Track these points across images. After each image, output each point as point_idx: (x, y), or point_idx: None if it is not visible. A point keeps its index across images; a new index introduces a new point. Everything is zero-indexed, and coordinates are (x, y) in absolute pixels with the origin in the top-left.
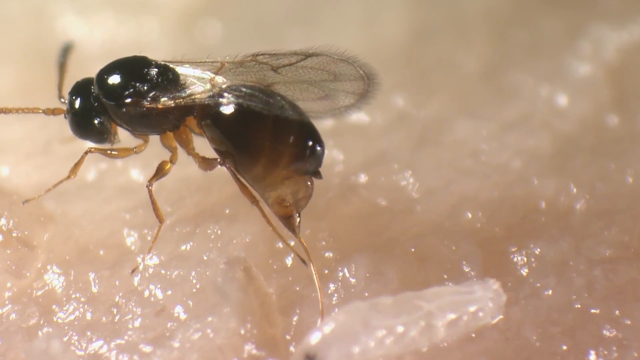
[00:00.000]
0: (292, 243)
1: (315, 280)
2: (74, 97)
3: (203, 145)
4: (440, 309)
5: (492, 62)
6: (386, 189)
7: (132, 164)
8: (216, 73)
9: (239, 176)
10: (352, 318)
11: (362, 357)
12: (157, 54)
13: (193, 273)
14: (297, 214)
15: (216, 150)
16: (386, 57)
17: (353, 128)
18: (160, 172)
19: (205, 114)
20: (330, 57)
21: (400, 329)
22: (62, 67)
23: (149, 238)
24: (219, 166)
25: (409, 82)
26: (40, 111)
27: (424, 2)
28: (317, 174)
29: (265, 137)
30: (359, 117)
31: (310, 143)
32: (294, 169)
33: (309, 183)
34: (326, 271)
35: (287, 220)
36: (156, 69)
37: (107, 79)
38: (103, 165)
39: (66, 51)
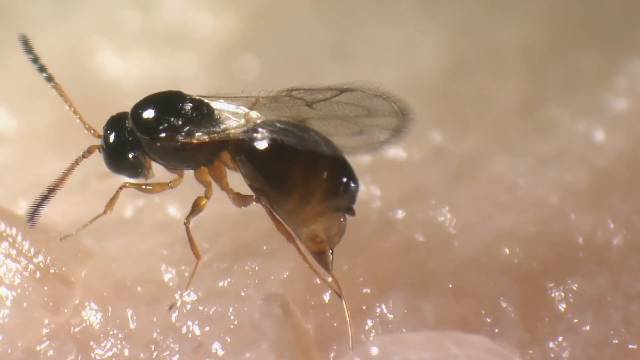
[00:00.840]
0: (329, 279)
1: (347, 317)
2: (108, 132)
3: (238, 182)
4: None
5: (528, 97)
6: (423, 224)
7: (170, 200)
8: (250, 108)
9: (274, 213)
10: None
11: None
12: (193, 90)
13: (230, 309)
14: (330, 250)
15: (250, 186)
16: (422, 92)
17: (390, 163)
18: (196, 208)
19: (239, 148)
20: (364, 92)
21: None
22: (36, 61)
23: (187, 274)
24: (253, 203)
25: (445, 116)
26: (81, 158)
27: (459, 36)
28: (350, 210)
29: (299, 173)
30: (395, 152)
31: (345, 179)
32: (327, 205)
33: (342, 220)
34: (364, 307)
35: (320, 256)
36: (191, 104)
37: (141, 113)
38: (140, 202)
39: (26, 46)
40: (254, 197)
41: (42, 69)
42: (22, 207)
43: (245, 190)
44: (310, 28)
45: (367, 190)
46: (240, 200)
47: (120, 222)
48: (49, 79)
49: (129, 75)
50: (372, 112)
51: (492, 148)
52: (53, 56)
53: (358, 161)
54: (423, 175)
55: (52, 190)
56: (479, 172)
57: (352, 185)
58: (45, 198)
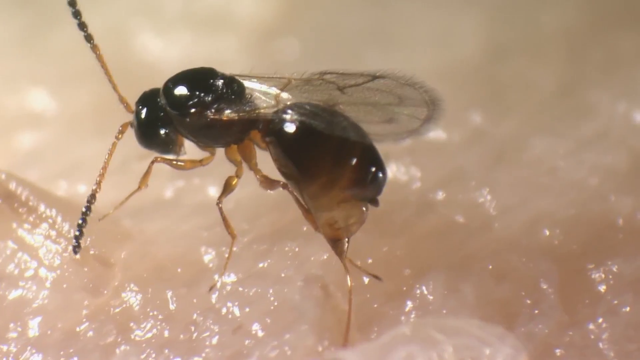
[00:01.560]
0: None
1: (349, 307)
2: (140, 107)
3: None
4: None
5: (568, 79)
6: (463, 206)
7: (210, 181)
8: (282, 89)
9: (301, 201)
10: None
11: None
12: (233, 72)
13: (270, 290)
14: (346, 239)
15: (279, 170)
16: (462, 75)
17: (430, 145)
18: (228, 188)
19: (269, 129)
20: (396, 80)
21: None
22: (77, 17)
23: (226, 255)
24: (280, 188)
25: (485, 99)
26: (116, 140)
27: (500, 19)
28: (374, 201)
29: (327, 158)
30: (436, 134)
31: (373, 169)
32: (352, 193)
33: (364, 209)
34: (404, 288)
35: (335, 243)
36: (222, 81)
37: (172, 88)
38: (180, 183)
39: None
40: (282, 182)
41: (82, 25)
42: (61, 189)
43: (276, 175)
44: (350, 11)
45: (407, 172)
46: (268, 183)
47: (160, 204)
48: (88, 38)
49: (169, 57)
50: (402, 101)
51: (532, 130)
52: (94, 36)
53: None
54: (463, 157)
55: (98, 185)
56: (519, 154)
57: (380, 175)
58: (92, 197)
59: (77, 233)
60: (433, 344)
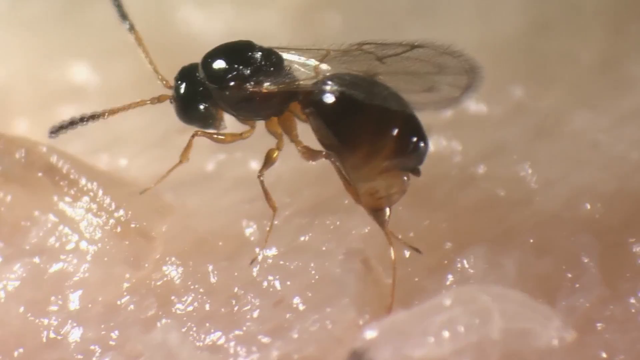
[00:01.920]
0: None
1: (393, 276)
2: (179, 82)
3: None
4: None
5: (609, 54)
6: (504, 179)
7: (252, 155)
8: (321, 61)
9: (343, 172)
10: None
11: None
12: (274, 45)
13: (311, 264)
14: (388, 209)
15: (320, 141)
16: (504, 48)
17: (471, 119)
18: (269, 160)
19: (309, 100)
20: (435, 49)
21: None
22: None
23: (267, 229)
24: (322, 159)
25: (526, 73)
26: (147, 102)
27: None
28: (416, 171)
29: (368, 128)
30: (477, 108)
31: (415, 139)
32: (395, 163)
33: (405, 179)
34: (445, 262)
35: (376, 213)
36: (260, 54)
37: (211, 62)
38: (222, 157)
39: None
40: (324, 152)
41: (122, 15)
42: (102, 162)
43: (317, 147)
44: None
45: (449, 146)
46: (309, 154)
47: (201, 177)
48: (131, 28)
49: (211, 31)
50: (442, 70)
51: (573, 104)
52: (136, 10)
53: (439, 116)
54: (504, 131)
55: (91, 117)
56: (561, 128)
57: (422, 145)
58: (80, 120)
59: (65, 124)
60: (477, 307)
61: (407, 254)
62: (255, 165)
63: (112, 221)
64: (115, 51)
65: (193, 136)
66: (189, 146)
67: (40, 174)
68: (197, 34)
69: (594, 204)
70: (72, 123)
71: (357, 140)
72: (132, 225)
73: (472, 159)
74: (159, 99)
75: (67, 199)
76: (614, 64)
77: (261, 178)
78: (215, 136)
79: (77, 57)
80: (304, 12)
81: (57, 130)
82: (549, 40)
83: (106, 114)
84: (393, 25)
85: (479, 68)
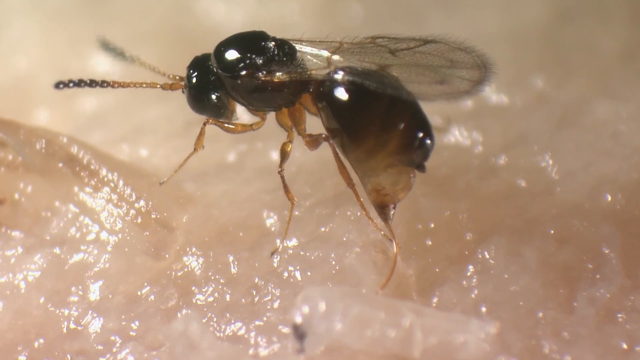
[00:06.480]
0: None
1: (393, 262)
2: (191, 72)
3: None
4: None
5: (631, 43)
6: (526, 170)
7: (272, 145)
8: (333, 52)
9: (340, 155)
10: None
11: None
12: (295, 36)
13: (332, 254)
14: (393, 205)
15: (327, 129)
16: (526, 39)
17: (492, 109)
18: (284, 154)
19: (320, 91)
20: (448, 44)
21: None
22: (122, 55)
23: (287, 220)
24: (323, 143)
25: (548, 63)
26: (158, 86)
27: None
28: (421, 167)
29: (376, 120)
30: (498, 98)
31: (421, 135)
32: (400, 158)
33: (411, 175)
34: (466, 252)
35: (382, 209)
36: (273, 44)
37: (223, 51)
38: (243, 147)
39: (108, 47)
40: (324, 135)
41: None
42: (123, 152)
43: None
44: None
45: (470, 136)
46: (312, 142)
47: (222, 168)
48: (133, 60)
49: (232, 21)
50: (454, 64)
51: (595, 94)
52: (157, 1)
53: (460, 107)
54: (526, 121)
55: (99, 83)
56: (582, 118)
57: (428, 141)
58: (88, 83)
59: (73, 81)
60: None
61: (429, 243)
62: (275, 155)
63: (132, 212)
64: (137, 40)
65: (205, 124)
66: (201, 134)
67: (60, 165)
68: (218, 24)
69: (614, 194)
70: (80, 82)
71: (364, 133)
72: (153, 216)
73: (493, 150)
74: (171, 87)
75: (88, 189)
76: (636, 54)
77: (282, 174)
78: (226, 125)
79: (99, 47)
80: (326, 1)
81: (64, 84)
82: (570, 30)
83: (116, 84)
84: (415, 15)
85: (491, 63)
